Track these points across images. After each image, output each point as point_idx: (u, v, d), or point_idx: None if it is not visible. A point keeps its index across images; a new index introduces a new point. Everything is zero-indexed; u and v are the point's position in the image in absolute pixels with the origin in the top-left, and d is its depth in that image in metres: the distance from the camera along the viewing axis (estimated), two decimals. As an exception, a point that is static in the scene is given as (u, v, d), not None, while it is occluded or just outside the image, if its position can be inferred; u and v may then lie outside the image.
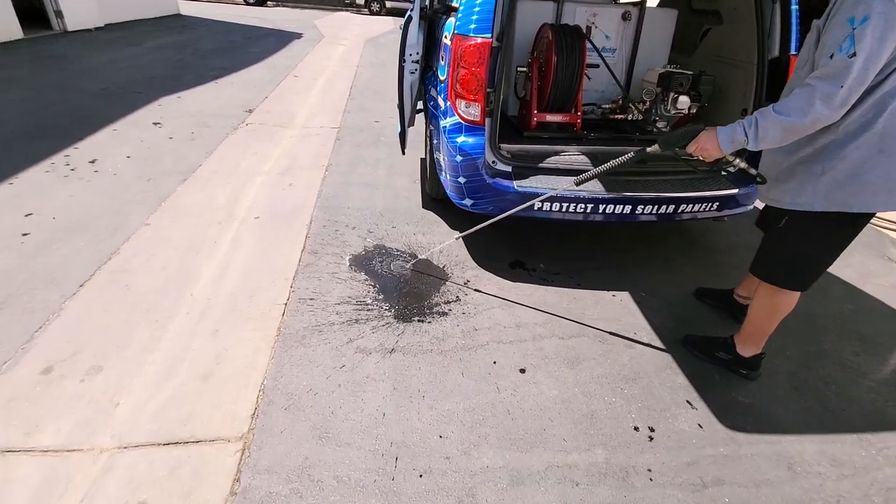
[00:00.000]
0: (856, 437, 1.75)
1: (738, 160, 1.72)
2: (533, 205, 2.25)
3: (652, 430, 1.70)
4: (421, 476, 1.48)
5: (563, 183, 2.33)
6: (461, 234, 2.53)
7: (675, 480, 1.53)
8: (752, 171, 1.68)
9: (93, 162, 3.45)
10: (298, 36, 10.03)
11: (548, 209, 2.32)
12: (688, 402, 1.83)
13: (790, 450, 1.67)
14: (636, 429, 1.70)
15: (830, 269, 2.84)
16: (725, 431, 1.72)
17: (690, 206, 2.39)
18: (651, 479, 1.53)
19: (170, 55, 7.13)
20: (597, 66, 2.88)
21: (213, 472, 1.43)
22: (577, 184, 1.98)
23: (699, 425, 1.73)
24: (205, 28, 10.01)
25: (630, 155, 1.83)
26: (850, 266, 2.92)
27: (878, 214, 3.55)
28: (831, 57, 1.32)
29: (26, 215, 2.69)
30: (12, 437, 1.49)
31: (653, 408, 1.79)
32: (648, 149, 1.79)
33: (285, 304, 2.17)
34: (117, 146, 3.76)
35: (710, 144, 1.56)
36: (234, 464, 1.46)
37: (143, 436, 1.53)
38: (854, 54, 1.28)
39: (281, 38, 9.48)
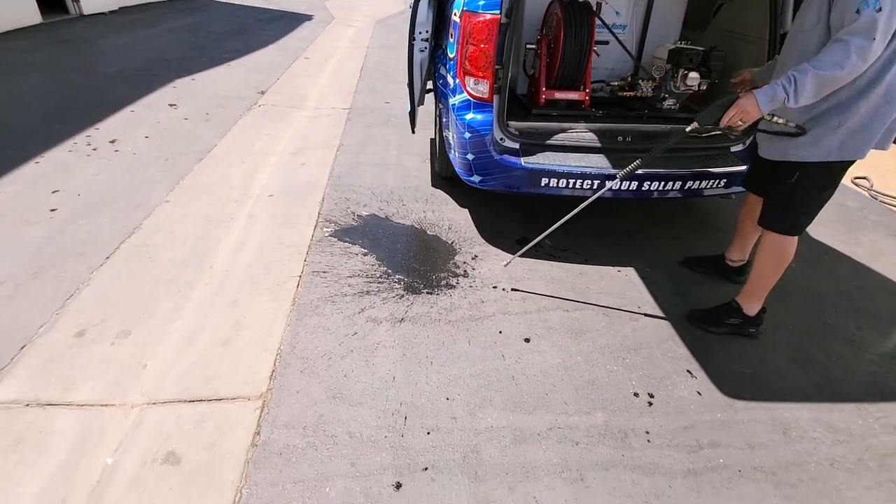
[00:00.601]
0: (854, 406, 1.79)
1: (776, 117, 1.72)
2: (549, 183, 2.30)
3: (651, 396, 1.76)
4: (428, 433, 1.57)
5: (571, 160, 2.36)
6: (520, 252, 2.29)
7: (671, 442, 1.60)
8: (791, 125, 1.69)
9: (113, 142, 3.56)
10: (309, 18, 9.99)
11: (555, 185, 2.36)
12: (688, 371, 1.89)
13: (787, 416, 1.72)
14: (636, 395, 1.76)
15: (839, 247, 2.85)
16: (724, 399, 1.77)
17: (698, 182, 2.40)
18: (649, 441, 1.60)
19: (184, 37, 7.19)
20: (606, 42, 2.86)
21: (236, 426, 1.54)
22: (622, 178, 2.03)
23: (698, 392, 1.79)
24: (216, 10, 10.02)
25: (671, 140, 1.84)
26: (861, 245, 2.91)
27: (889, 195, 3.51)
28: (858, 12, 1.39)
29: (53, 192, 2.81)
30: (52, 392, 1.61)
31: (653, 376, 1.85)
32: (688, 128, 1.78)
33: (299, 277, 2.26)
34: (135, 127, 3.86)
35: (750, 107, 1.60)
36: (255, 419, 1.56)
37: (170, 394, 1.64)
38: (880, 9, 1.36)
39: (292, 21, 9.46)
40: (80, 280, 2.14)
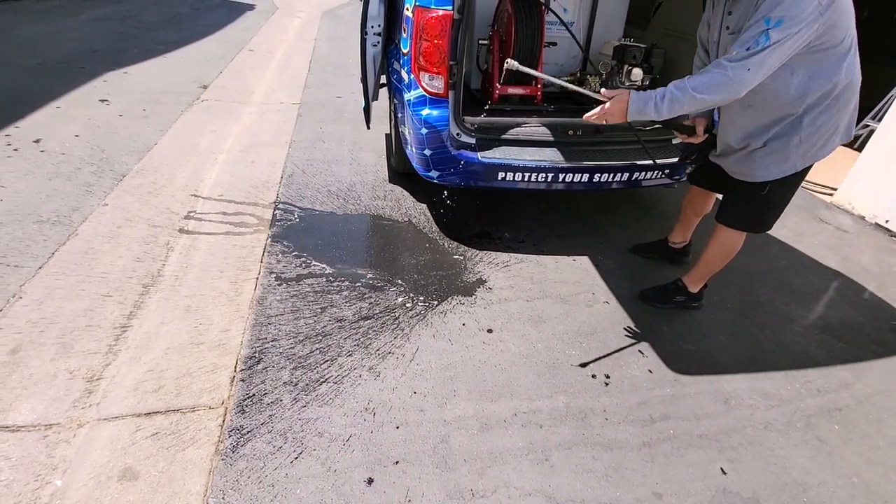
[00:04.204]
0: (783, 373, 1.98)
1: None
2: (506, 177, 2.36)
3: (607, 376, 1.87)
4: (398, 427, 1.58)
5: (526, 154, 2.43)
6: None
7: (627, 418, 1.70)
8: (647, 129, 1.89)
9: (37, 141, 3.27)
10: (251, 7, 9.55)
11: (512, 179, 2.42)
12: (640, 351, 2.01)
13: (727, 387, 1.88)
14: (593, 376, 1.86)
15: (769, 231, 3.10)
16: (672, 375, 1.91)
17: (644, 173, 2.54)
18: (606, 419, 1.69)
19: (111, 27, 6.68)
20: (554, 44, 2.95)
21: (197, 435, 1.49)
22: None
23: (649, 370, 1.91)
24: (147, -2, 9.37)
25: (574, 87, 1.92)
26: (786, 227, 3.18)
27: (811, 181, 3.86)
28: (747, 49, 1.48)
29: (-30, 198, 2.56)
30: (-15, 415, 1.49)
31: (608, 357, 1.95)
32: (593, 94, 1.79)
33: (256, 279, 2.20)
34: (63, 125, 3.57)
35: (617, 113, 1.65)
36: (217, 427, 1.52)
37: (123, 408, 1.56)
38: (762, 49, 1.45)
39: (232, 10, 9.01)
40: (10, 293, 1.97)
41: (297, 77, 5.40)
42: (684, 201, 2.41)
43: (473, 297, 2.23)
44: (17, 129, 3.42)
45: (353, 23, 2.78)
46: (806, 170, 1.81)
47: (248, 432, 1.52)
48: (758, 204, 1.91)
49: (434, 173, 2.45)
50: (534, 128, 2.60)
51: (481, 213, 2.91)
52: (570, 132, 2.61)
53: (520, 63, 2.68)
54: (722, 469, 1.56)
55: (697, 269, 2.18)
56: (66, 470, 1.36)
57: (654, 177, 2.57)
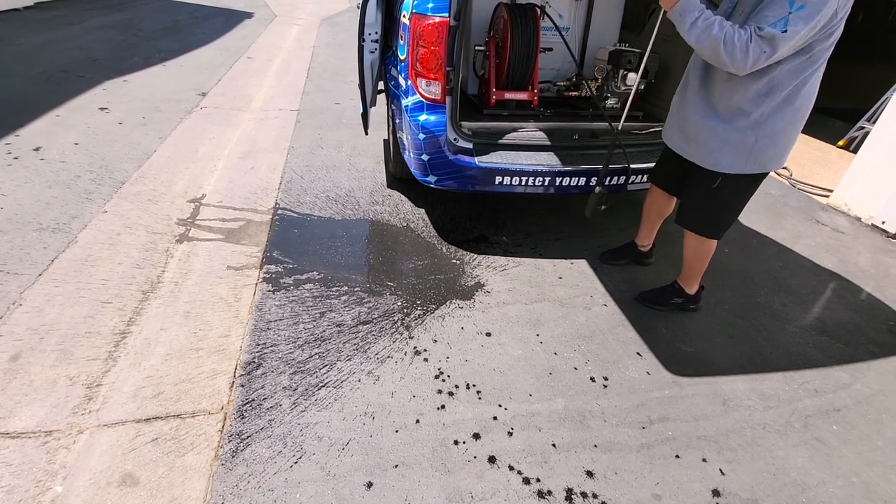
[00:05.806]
0: (781, 374, 1.99)
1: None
2: (503, 181, 2.37)
3: (606, 379, 1.87)
4: (397, 431, 1.59)
5: (522, 158, 2.45)
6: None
7: (626, 420, 1.71)
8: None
9: (37, 150, 3.29)
10: (249, 15, 9.62)
11: (509, 183, 2.44)
12: (637, 353, 2.01)
13: (725, 388, 1.88)
14: (592, 379, 1.87)
15: (765, 232, 3.12)
16: (670, 377, 1.91)
17: (639, 176, 2.56)
18: (605, 421, 1.70)
19: (111, 36, 6.73)
20: (550, 49, 2.98)
21: (196, 440, 1.49)
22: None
23: (647, 372, 1.92)
24: (146, 6, 9.43)
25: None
26: (784, 229, 3.20)
27: (810, 183, 3.88)
28: (770, 26, 1.47)
29: (-29, 206, 2.57)
30: (-14, 422, 1.49)
31: (607, 360, 1.96)
32: None
33: (256, 284, 2.21)
34: (63, 133, 3.59)
35: None
36: (216, 432, 1.52)
37: (123, 414, 1.56)
38: (785, 31, 1.46)
39: (230, 18, 9.08)
40: (11, 300, 1.98)
41: (295, 84, 5.43)
42: (646, 203, 2.41)
43: (472, 300, 2.23)
44: (18, 137, 3.44)
45: (352, 29, 2.80)
46: (758, 178, 1.83)
47: (248, 437, 1.52)
48: (708, 200, 1.91)
49: (432, 178, 2.47)
50: (530, 132, 2.62)
51: (479, 218, 2.93)
52: (571, 136, 2.64)
53: (515, 69, 2.72)
54: (721, 470, 1.57)
55: (684, 270, 2.20)
56: (66, 476, 1.37)
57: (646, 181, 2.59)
